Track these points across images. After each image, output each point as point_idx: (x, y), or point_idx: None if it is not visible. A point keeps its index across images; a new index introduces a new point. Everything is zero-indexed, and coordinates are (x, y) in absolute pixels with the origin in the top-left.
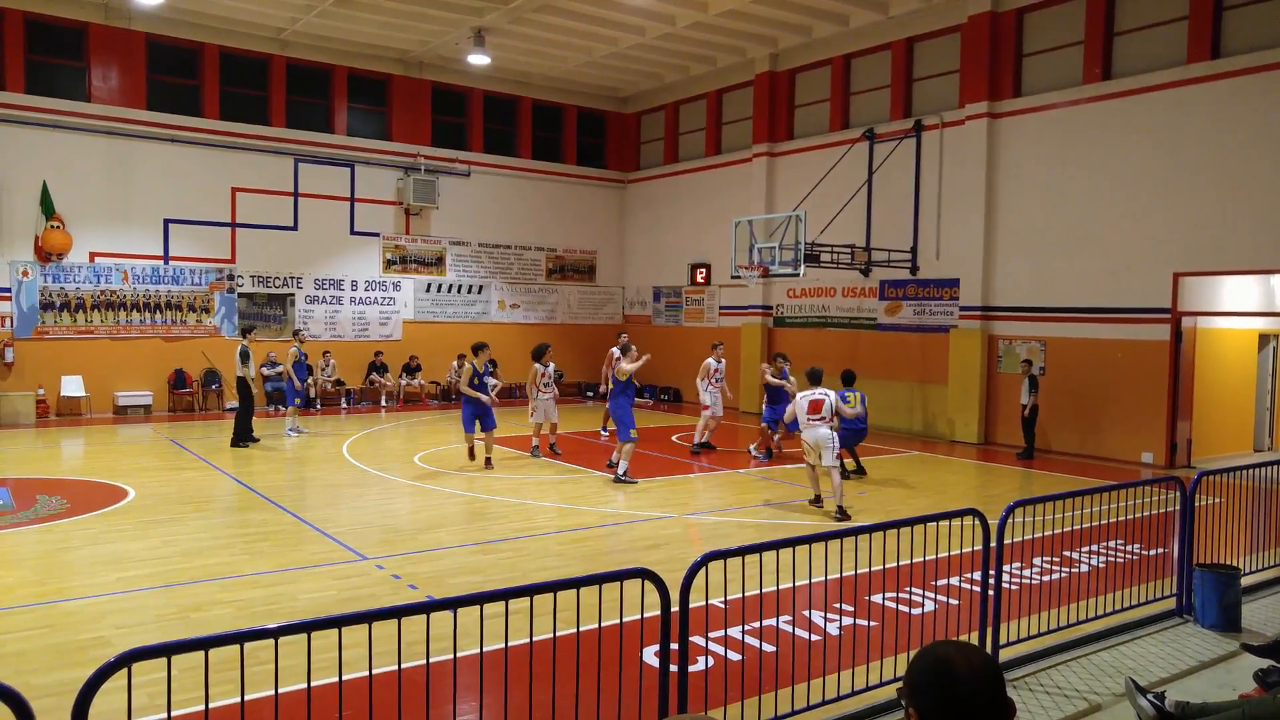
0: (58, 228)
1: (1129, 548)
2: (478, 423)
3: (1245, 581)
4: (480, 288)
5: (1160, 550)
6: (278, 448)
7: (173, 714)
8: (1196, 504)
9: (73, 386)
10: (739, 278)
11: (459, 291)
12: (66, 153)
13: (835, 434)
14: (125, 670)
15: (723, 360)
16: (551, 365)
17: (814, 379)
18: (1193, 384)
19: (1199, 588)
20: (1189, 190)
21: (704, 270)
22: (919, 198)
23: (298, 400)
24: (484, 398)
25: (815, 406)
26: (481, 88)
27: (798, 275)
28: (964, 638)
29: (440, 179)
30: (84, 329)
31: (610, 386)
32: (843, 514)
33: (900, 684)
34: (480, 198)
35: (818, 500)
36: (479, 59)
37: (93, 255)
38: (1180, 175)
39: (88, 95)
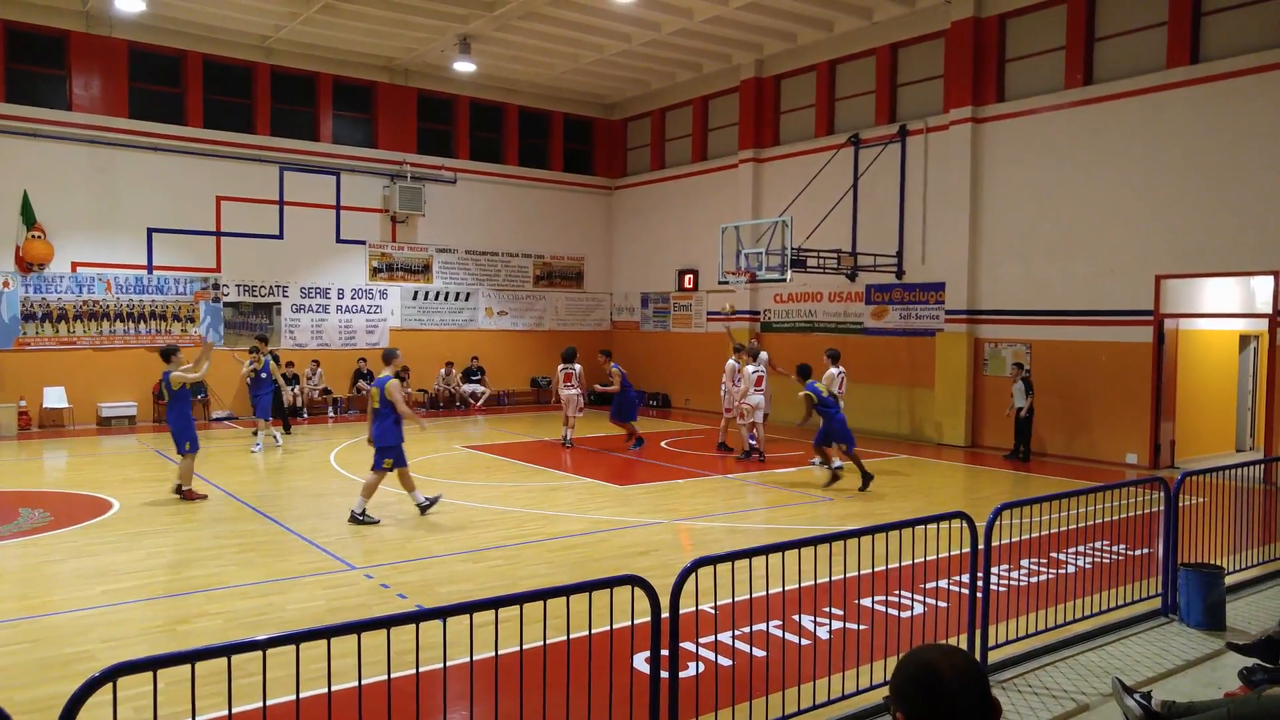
0: (39, 238)
1: (1115, 548)
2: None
3: (1229, 580)
4: (467, 295)
5: (1145, 550)
6: (265, 456)
7: None
8: (1180, 504)
9: (55, 398)
10: (726, 283)
11: (446, 299)
12: (48, 162)
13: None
14: (111, 685)
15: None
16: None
17: (754, 356)
18: (1175, 385)
19: (1184, 587)
20: (1170, 193)
21: (692, 276)
22: (904, 202)
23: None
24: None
25: (759, 380)
26: (468, 95)
27: (784, 280)
28: (953, 640)
29: (426, 186)
30: (66, 339)
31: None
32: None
33: (887, 691)
34: (467, 205)
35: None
36: (465, 66)
37: (75, 265)
38: (1161, 178)
39: (69, 104)
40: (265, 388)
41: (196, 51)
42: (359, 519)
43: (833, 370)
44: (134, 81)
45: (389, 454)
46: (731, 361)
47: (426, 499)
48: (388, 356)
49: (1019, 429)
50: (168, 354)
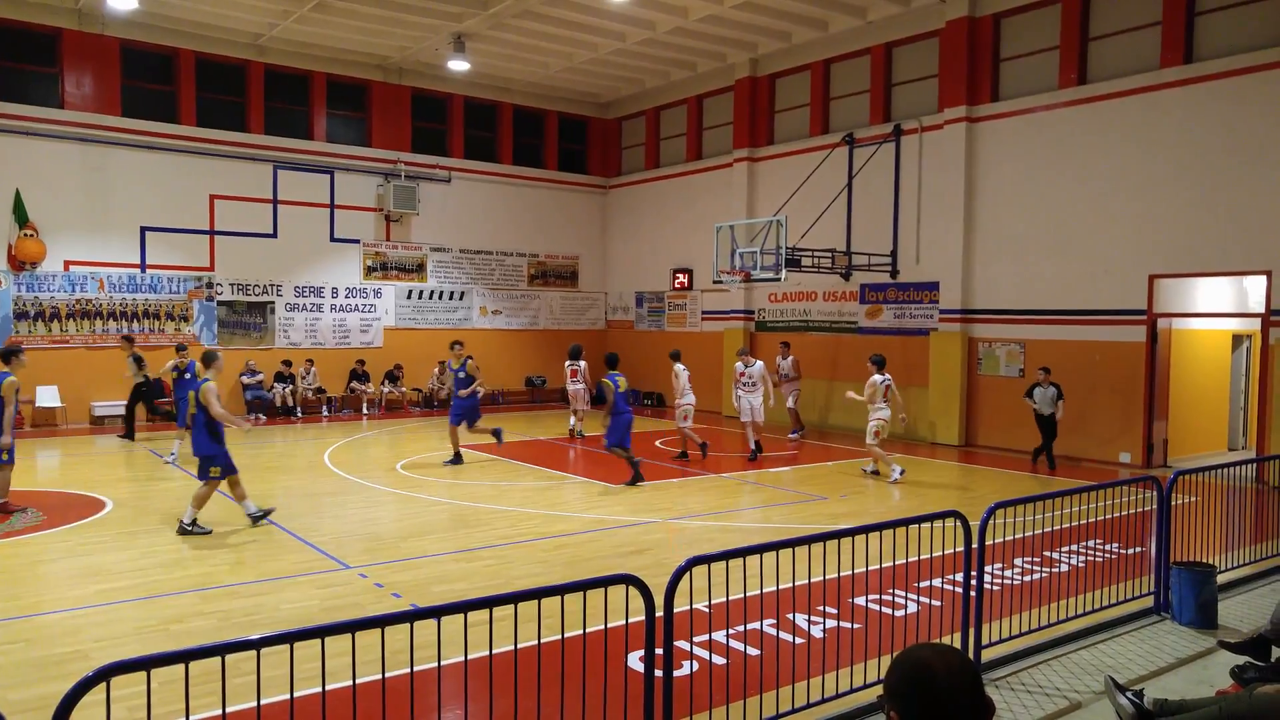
0: (31, 236)
1: (1108, 547)
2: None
3: (1221, 579)
4: (462, 294)
5: (1138, 549)
6: (256, 457)
7: None
8: (1173, 503)
9: (48, 397)
10: (721, 283)
11: (440, 298)
12: (40, 160)
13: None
14: (104, 684)
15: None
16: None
17: (676, 358)
18: (1168, 385)
19: (1176, 586)
20: (1163, 193)
21: (686, 275)
22: (898, 202)
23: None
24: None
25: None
26: (462, 94)
27: (779, 280)
28: (946, 639)
29: (421, 185)
30: (59, 338)
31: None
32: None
33: (880, 690)
34: (461, 204)
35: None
36: (459, 65)
37: (68, 264)
38: (1155, 178)
39: (61, 102)
40: (191, 389)
41: (189, 49)
42: (187, 529)
43: (876, 378)
44: (126, 79)
45: (213, 462)
46: (740, 365)
47: (259, 510)
48: (207, 359)
49: (1053, 432)
50: (7, 355)
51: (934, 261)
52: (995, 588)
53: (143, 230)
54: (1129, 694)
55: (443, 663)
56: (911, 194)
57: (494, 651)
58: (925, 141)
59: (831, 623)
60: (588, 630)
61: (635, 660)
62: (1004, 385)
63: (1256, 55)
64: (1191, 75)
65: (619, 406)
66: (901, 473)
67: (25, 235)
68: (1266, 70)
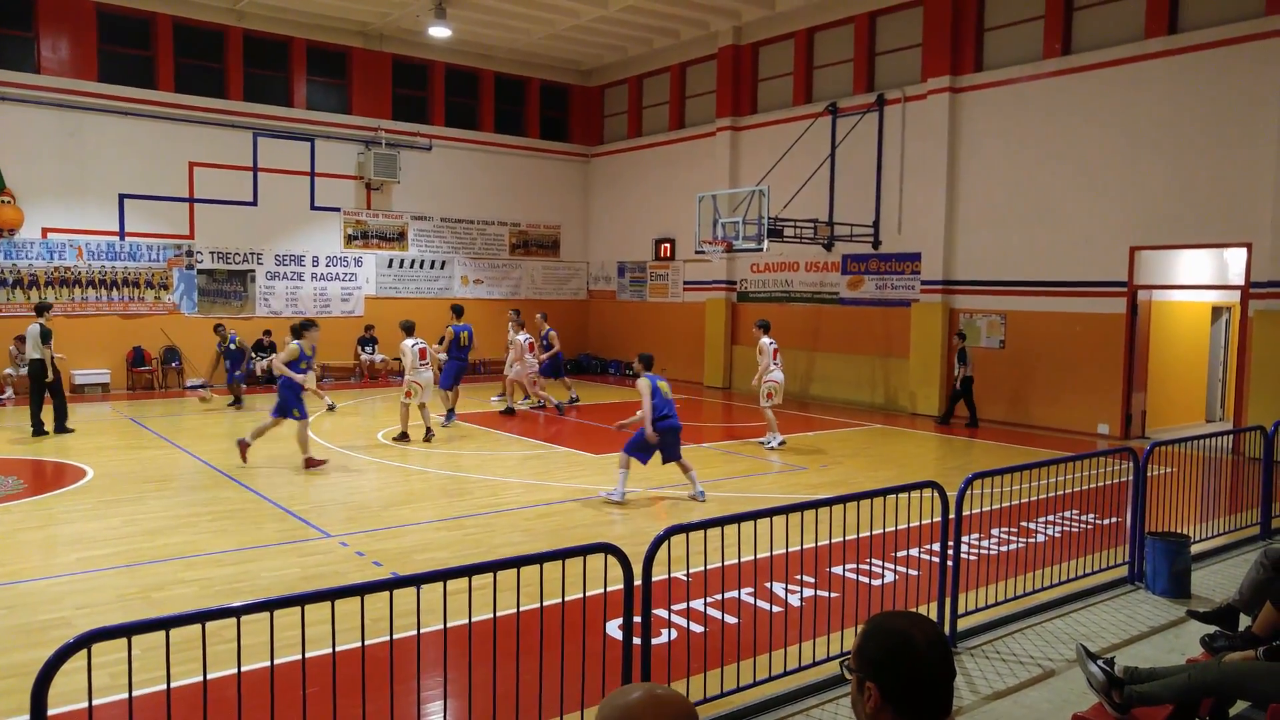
0: (8, 203)
1: (1084, 517)
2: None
3: (1195, 549)
4: (443, 263)
5: (1114, 519)
6: (239, 426)
7: (134, 694)
8: (1149, 474)
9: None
10: (703, 253)
11: (421, 267)
12: (16, 125)
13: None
14: (85, 651)
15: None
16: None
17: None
18: (1148, 356)
19: (1150, 556)
20: (1146, 164)
21: (668, 245)
22: (881, 172)
23: None
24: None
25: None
26: (443, 60)
27: (761, 250)
28: (922, 608)
29: (401, 153)
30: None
31: None
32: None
33: (847, 660)
34: (442, 172)
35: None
36: (440, 31)
37: (45, 231)
38: (1137, 149)
39: (37, 66)
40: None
41: (166, 14)
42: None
43: (764, 341)
44: (103, 44)
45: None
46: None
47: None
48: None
49: (963, 398)
50: (297, 330)
51: (916, 232)
52: (972, 557)
53: (121, 198)
54: (1100, 662)
55: (422, 630)
56: (894, 164)
57: (474, 619)
58: (908, 112)
59: (809, 591)
60: (567, 599)
61: (614, 628)
62: (985, 356)
63: (1239, 26)
64: (1175, 46)
65: (459, 354)
66: (781, 442)
67: (2, 202)
68: (1249, 41)
